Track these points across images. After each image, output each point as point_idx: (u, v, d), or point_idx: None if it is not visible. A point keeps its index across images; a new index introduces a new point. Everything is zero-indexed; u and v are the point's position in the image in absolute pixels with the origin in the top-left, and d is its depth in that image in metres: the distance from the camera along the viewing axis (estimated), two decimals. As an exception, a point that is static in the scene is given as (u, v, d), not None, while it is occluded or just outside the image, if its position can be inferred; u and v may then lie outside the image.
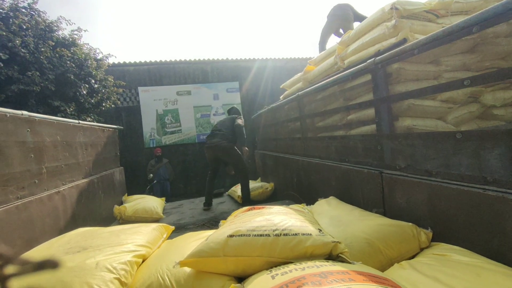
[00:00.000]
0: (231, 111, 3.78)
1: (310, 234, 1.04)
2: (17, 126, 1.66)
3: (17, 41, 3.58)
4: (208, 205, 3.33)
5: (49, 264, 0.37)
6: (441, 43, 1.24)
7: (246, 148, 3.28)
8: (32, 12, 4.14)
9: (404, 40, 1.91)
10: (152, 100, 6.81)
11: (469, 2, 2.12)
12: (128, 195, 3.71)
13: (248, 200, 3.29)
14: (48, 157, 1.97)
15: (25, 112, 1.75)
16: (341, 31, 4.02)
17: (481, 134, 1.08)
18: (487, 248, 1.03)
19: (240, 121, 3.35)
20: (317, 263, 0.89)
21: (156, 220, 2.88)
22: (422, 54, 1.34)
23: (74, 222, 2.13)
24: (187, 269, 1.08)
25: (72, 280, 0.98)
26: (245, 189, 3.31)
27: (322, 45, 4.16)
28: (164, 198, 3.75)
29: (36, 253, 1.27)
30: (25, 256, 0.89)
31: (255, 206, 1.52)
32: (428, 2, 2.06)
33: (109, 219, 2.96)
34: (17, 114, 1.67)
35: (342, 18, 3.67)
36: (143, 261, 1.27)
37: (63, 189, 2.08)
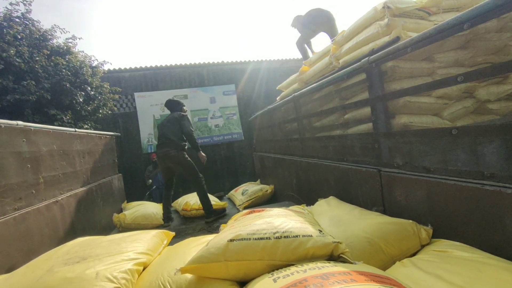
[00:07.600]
0: (171, 105, 3.17)
1: (311, 236, 1.03)
2: (12, 136, 1.65)
3: (12, 51, 3.57)
4: (167, 220, 3.01)
5: None
6: (433, 41, 1.25)
7: (203, 154, 3.06)
8: (26, 22, 4.13)
9: (397, 39, 1.92)
10: (148, 106, 6.79)
11: (459, -1, 2.14)
12: (127, 202, 3.69)
13: (210, 212, 2.92)
14: (45, 166, 1.96)
15: (20, 122, 1.74)
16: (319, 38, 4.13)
17: (476, 129, 1.09)
18: (487, 242, 1.03)
19: (186, 123, 2.97)
20: (319, 264, 0.89)
21: (156, 227, 2.87)
22: (416, 51, 1.35)
23: (73, 232, 2.12)
24: (189, 276, 1.07)
25: (72, 291, 0.97)
26: (204, 199, 2.94)
27: (302, 46, 4.20)
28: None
29: (34, 265, 1.25)
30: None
31: (255, 209, 1.52)
32: (419, 0, 2.08)
33: (108, 227, 2.94)
34: (12, 124, 1.66)
35: (325, 20, 3.73)
36: (144, 269, 1.26)
37: (61, 199, 2.07)
